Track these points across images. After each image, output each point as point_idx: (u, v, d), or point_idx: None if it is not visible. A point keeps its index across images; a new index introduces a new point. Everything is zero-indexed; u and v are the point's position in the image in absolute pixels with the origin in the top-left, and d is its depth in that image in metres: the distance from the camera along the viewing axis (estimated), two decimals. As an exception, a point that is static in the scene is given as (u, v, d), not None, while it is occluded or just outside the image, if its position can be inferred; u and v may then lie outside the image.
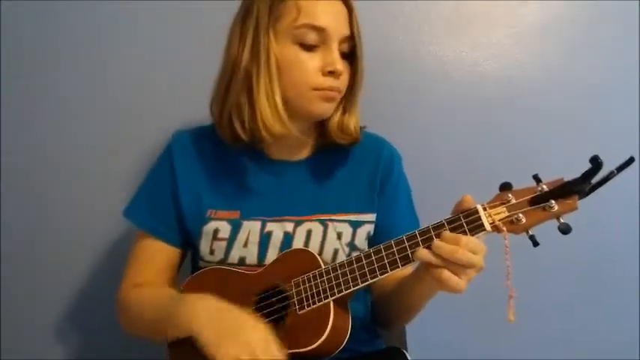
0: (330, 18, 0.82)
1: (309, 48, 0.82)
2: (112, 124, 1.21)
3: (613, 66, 1.21)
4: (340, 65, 0.83)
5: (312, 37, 0.82)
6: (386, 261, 0.73)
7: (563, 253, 1.24)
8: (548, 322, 1.27)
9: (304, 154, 0.94)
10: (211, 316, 0.72)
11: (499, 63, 1.22)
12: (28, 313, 1.25)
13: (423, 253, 0.69)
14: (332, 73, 0.82)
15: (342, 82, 0.85)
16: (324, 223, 0.89)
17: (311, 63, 0.82)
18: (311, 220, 0.88)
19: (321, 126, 0.92)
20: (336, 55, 0.83)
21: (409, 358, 0.85)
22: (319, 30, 0.81)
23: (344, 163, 0.94)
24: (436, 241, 0.69)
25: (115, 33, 1.20)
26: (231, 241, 0.87)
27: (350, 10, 0.85)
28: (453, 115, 1.23)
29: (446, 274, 0.67)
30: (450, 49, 1.22)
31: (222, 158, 0.92)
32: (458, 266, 0.67)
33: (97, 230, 1.23)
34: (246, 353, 0.67)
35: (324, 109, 0.85)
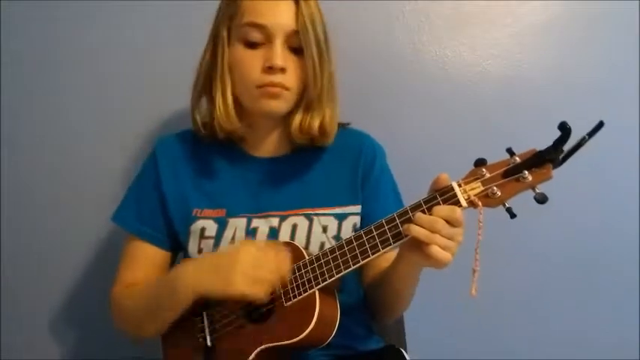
0: (272, 14, 0.82)
1: (253, 46, 0.83)
2: (109, 123, 1.22)
3: (613, 66, 1.21)
4: (279, 60, 0.82)
5: (255, 35, 0.83)
6: (367, 246, 0.73)
7: (563, 252, 1.24)
8: (547, 322, 1.27)
9: (286, 149, 0.95)
10: (205, 269, 0.76)
11: (499, 63, 1.22)
12: (27, 313, 1.25)
13: (411, 227, 0.69)
14: (271, 69, 0.82)
15: (288, 77, 0.84)
16: (309, 217, 0.89)
17: (253, 60, 0.83)
18: (296, 215, 0.89)
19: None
20: (276, 50, 0.82)
21: (407, 357, 0.86)
22: (261, 27, 0.82)
23: (326, 158, 0.94)
24: (417, 214, 0.70)
25: (111, 30, 1.20)
26: (218, 238, 0.88)
27: (297, 5, 0.83)
28: (453, 115, 1.23)
29: (434, 248, 0.68)
30: (450, 49, 1.22)
31: (205, 159, 0.94)
32: (442, 238, 0.68)
33: (98, 231, 1.23)
34: (249, 281, 0.72)
35: (269, 106, 0.85)
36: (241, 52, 0.84)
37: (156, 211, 0.92)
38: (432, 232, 0.68)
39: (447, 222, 0.68)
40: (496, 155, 1.20)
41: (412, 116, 1.23)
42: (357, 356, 0.88)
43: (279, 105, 0.86)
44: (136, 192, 0.95)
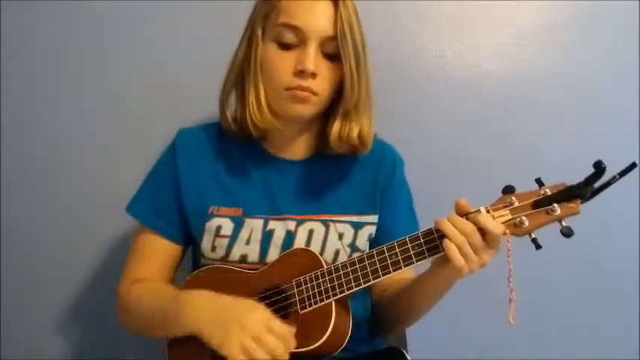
0: (309, 17, 0.80)
1: (286, 47, 0.82)
2: (117, 120, 1.21)
3: (613, 66, 1.21)
4: (311, 65, 0.79)
5: (289, 37, 0.81)
6: (388, 262, 0.74)
7: (563, 253, 1.24)
8: (548, 322, 1.27)
9: (308, 153, 0.94)
10: (212, 311, 0.75)
11: (499, 63, 1.22)
12: (28, 313, 1.25)
13: (443, 222, 0.70)
14: (302, 73, 0.80)
15: (318, 83, 0.82)
16: (325, 223, 0.89)
17: (285, 62, 0.81)
18: (313, 220, 0.88)
19: (322, 128, 0.91)
20: (308, 53, 0.80)
21: (409, 358, 0.85)
22: (295, 29, 0.80)
23: (347, 165, 0.93)
24: (454, 215, 0.70)
25: (120, 28, 1.20)
26: (233, 238, 0.87)
27: (336, 9, 0.81)
28: (454, 114, 1.23)
29: (451, 247, 0.68)
30: (450, 49, 1.22)
31: (226, 155, 0.92)
32: (466, 244, 0.68)
33: (98, 227, 1.23)
34: (249, 337, 0.70)
35: (296, 110, 0.84)
36: (273, 52, 0.82)
37: (171, 205, 0.90)
38: (461, 234, 0.68)
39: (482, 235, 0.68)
40: (497, 154, 1.22)
41: (412, 116, 1.23)
42: (358, 357, 0.87)
43: (306, 109, 0.84)
44: (152, 184, 0.94)
